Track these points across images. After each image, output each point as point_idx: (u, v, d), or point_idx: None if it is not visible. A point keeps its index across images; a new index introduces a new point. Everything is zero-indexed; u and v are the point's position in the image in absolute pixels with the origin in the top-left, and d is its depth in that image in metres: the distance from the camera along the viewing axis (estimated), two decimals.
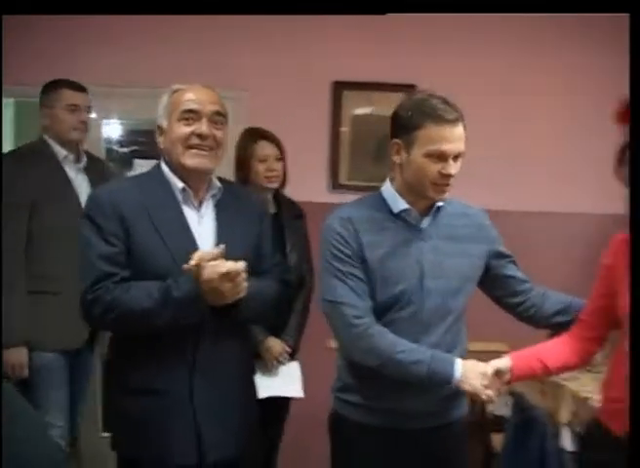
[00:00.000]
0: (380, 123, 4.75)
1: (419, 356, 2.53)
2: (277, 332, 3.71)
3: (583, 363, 2.73)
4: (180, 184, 2.63)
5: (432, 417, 2.68)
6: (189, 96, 2.62)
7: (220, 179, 2.77)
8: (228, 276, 2.43)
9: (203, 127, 2.58)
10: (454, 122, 2.52)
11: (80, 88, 3.78)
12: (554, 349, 2.71)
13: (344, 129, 4.80)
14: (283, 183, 3.78)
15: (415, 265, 2.62)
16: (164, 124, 2.64)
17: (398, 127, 2.60)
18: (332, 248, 2.60)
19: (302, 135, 4.05)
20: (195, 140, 2.59)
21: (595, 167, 3.86)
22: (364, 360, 2.60)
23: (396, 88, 4.69)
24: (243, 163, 3.68)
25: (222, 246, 2.46)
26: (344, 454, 2.77)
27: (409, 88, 4.67)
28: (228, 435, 2.63)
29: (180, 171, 2.63)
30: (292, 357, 3.77)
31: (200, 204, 2.67)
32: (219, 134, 2.62)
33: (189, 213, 2.64)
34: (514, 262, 2.84)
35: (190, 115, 2.59)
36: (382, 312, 2.60)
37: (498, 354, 3.29)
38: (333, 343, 2.79)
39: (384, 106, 4.72)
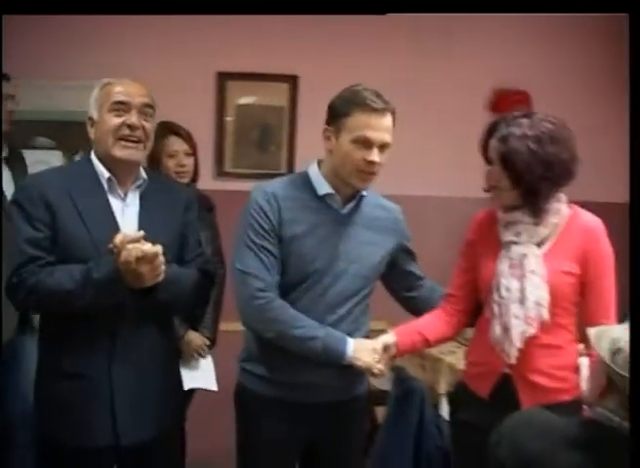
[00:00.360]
0: (263, 112, 4.97)
1: (315, 332, 2.68)
2: (194, 327, 3.78)
3: (456, 334, 3.00)
4: (106, 174, 2.70)
5: (334, 392, 2.83)
6: (119, 88, 2.70)
7: (147, 171, 2.86)
8: (146, 258, 2.50)
9: (133, 118, 2.67)
10: (381, 111, 2.66)
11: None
12: (431, 323, 2.93)
13: (229, 118, 4.94)
14: (194, 178, 3.83)
15: (330, 248, 2.75)
16: (95, 115, 2.70)
17: (331, 115, 2.72)
18: (251, 219, 2.71)
19: (188, 124, 4.15)
20: (125, 131, 2.67)
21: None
22: (263, 331, 2.73)
23: (279, 78, 4.92)
24: (153, 158, 3.61)
25: (142, 231, 2.54)
26: (247, 426, 2.89)
27: (291, 78, 4.90)
28: (146, 419, 2.71)
29: (108, 161, 2.70)
30: (209, 349, 3.85)
31: (125, 194, 2.75)
32: (147, 125, 2.71)
33: (114, 202, 2.71)
34: (415, 260, 3.05)
35: (120, 107, 2.67)
36: (292, 288, 2.74)
37: (380, 332, 3.55)
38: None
39: (267, 96, 4.96)
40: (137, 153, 2.71)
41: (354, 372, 2.79)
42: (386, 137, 2.68)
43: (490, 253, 2.79)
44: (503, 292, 2.70)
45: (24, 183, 2.73)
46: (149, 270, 2.53)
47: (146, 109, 2.72)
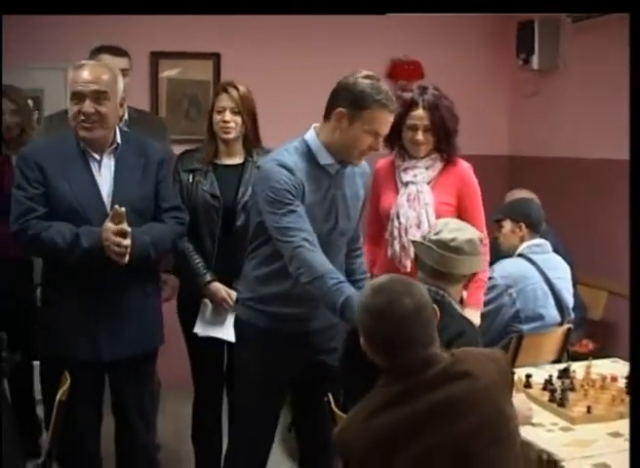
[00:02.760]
0: (190, 85, 5.64)
1: (343, 288, 2.87)
2: (232, 279, 3.73)
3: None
4: (82, 143, 3.22)
5: (317, 321, 3.19)
6: (77, 77, 3.14)
7: (129, 134, 3.38)
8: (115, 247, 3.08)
9: (85, 106, 3.11)
10: (393, 111, 3.04)
11: (118, 52, 4.12)
12: (372, 255, 3.77)
13: (161, 91, 5.61)
14: (253, 137, 3.84)
15: (332, 210, 3.16)
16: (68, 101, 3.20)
17: (347, 99, 2.97)
18: (279, 187, 2.98)
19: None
20: (81, 117, 3.13)
21: None
22: (300, 274, 2.95)
23: (204, 56, 5.60)
24: (209, 113, 3.82)
25: (122, 209, 3.05)
26: (248, 355, 3.24)
27: (214, 56, 5.60)
28: (125, 340, 3.26)
29: (79, 138, 3.21)
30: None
31: (101, 157, 3.23)
32: (102, 109, 3.13)
33: (93, 164, 3.23)
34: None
35: (76, 96, 3.13)
36: None
37: None
38: None
39: (194, 71, 5.63)
40: (95, 133, 3.16)
41: None
42: (387, 131, 3.09)
43: (389, 190, 3.72)
44: (402, 220, 3.63)
45: (23, 152, 3.28)
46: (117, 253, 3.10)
47: (99, 95, 3.12)
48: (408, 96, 3.66)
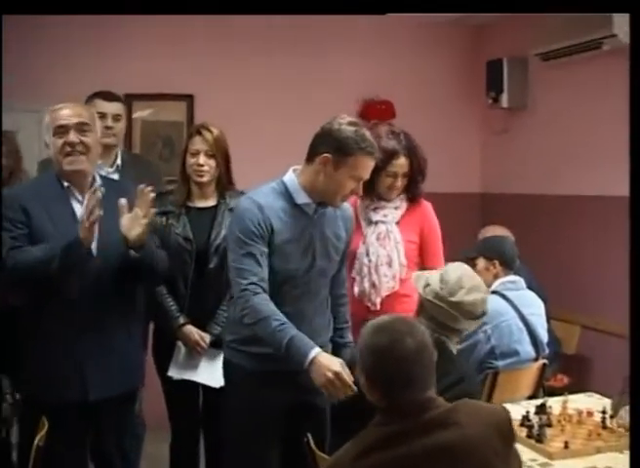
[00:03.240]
0: (163, 127, 5.69)
1: (287, 329, 2.94)
2: (205, 322, 3.78)
3: None
4: (65, 183, 3.26)
5: None
6: (59, 114, 3.23)
7: (104, 179, 3.41)
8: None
9: (70, 136, 3.20)
10: (376, 158, 3.17)
11: (112, 97, 4.19)
12: None
13: (135, 132, 5.65)
14: (226, 180, 3.87)
15: (309, 248, 3.17)
16: (47, 139, 3.26)
17: (332, 145, 3.04)
18: (245, 225, 3.06)
19: None
20: (67, 149, 3.20)
21: None
22: (244, 316, 3.03)
23: (177, 97, 5.66)
24: (183, 155, 3.85)
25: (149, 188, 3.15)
26: (237, 397, 3.25)
27: (187, 97, 5.65)
28: (111, 378, 3.24)
29: (63, 175, 3.25)
30: (219, 346, 3.65)
31: (83, 197, 3.21)
32: (86, 139, 3.22)
33: (76, 205, 3.25)
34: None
35: (61, 129, 3.21)
36: (281, 284, 3.11)
37: None
38: None
39: (167, 112, 5.69)
40: (81, 164, 3.23)
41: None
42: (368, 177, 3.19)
43: (355, 230, 3.65)
44: (372, 258, 3.79)
45: (7, 194, 3.29)
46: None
47: (82, 126, 3.23)
48: (389, 145, 3.79)
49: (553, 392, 3.98)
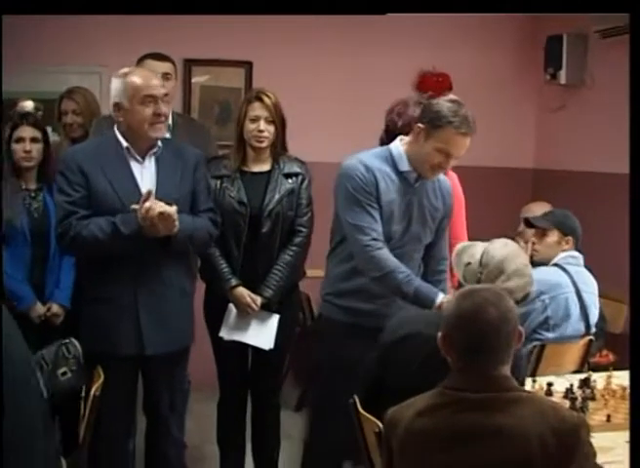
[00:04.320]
0: (222, 92, 5.76)
1: (413, 279, 3.26)
2: (256, 285, 3.84)
3: None
4: (125, 144, 3.36)
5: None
6: (145, 82, 3.32)
7: (164, 140, 3.49)
8: (162, 216, 3.17)
9: (162, 108, 3.33)
10: (467, 135, 3.24)
11: (162, 57, 4.29)
12: None
13: (194, 97, 5.73)
14: (281, 146, 3.93)
15: (406, 213, 3.40)
16: (125, 104, 3.31)
17: (427, 117, 3.26)
18: (356, 183, 3.31)
19: None
20: (157, 119, 3.33)
21: None
22: (369, 270, 3.29)
23: (236, 64, 5.72)
24: (238, 121, 3.89)
25: (151, 189, 3.23)
26: (328, 348, 3.47)
27: (246, 64, 5.71)
28: (165, 335, 3.40)
29: (137, 137, 3.36)
30: (270, 309, 3.88)
31: (143, 158, 3.39)
32: (167, 110, 3.42)
33: (134, 165, 3.38)
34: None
35: (149, 99, 3.30)
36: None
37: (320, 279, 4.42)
38: None
39: (225, 78, 5.75)
40: (165, 132, 3.49)
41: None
42: (462, 153, 3.30)
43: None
44: None
45: (64, 156, 3.44)
46: (165, 225, 3.21)
47: (166, 97, 3.41)
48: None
49: (598, 368, 4.00)
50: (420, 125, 3.29)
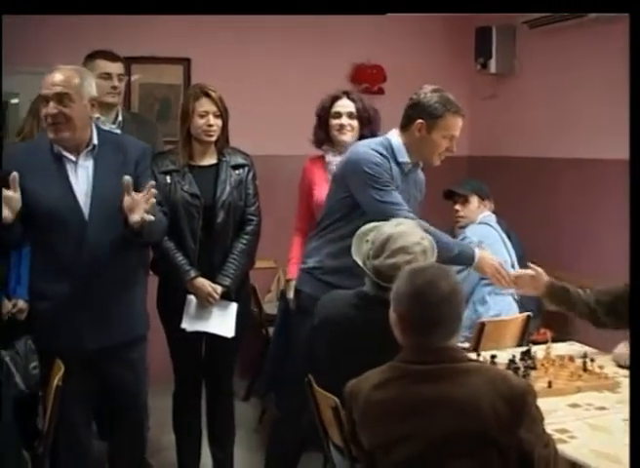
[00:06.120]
0: (161, 89, 5.84)
1: (452, 240, 3.73)
2: (214, 275, 3.92)
3: None
4: (56, 148, 3.31)
5: None
6: (45, 81, 3.25)
7: (106, 133, 3.51)
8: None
9: (49, 108, 3.23)
10: (463, 116, 3.65)
11: (115, 58, 4.30)
12: (302, 249, 4.11)
13: (134, 94, 5.78)
14: (225, 140, 4.02)
15: (404, 200, 3.63)
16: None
17: (423, 111, 3.58)
18: (376, 167, 3.56)
19: None
20: (48, 120, 3.25)
21: None
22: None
23: (173, 61, 5.80)
24: (185, 116, 3.93)
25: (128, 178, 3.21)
26: (307, 325, 3.38)
27: (184, 61, 5.79)
28: (108, 328, 3.40)
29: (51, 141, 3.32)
30: (228, 297, 3.97)
31: (77, 158, 3.34)
32: (66, 110, 3.23)
33: (69, 166, 3.33)
34: None
35: (43, 99, 3.26)
36: None
37: (271, 270, 4.52)
38: None
39: (165, 75, 5.83)
40: (61, 134, 3.26)
41: None
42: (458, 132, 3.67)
43: (322, 184, 4.17)
44: None
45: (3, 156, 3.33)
46: None
47: (62, 97, 3.22)
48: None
49: (536, 344, 4.18)
50: (419, 121, 3.57)
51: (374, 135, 4.15)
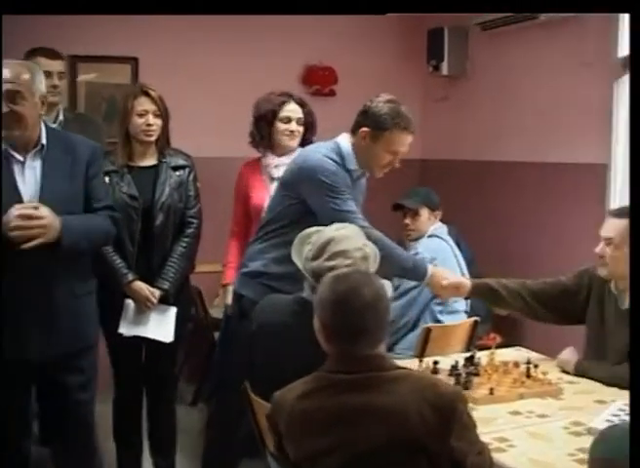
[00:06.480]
0: (108, 89, 5.71)
1: (406, 254, 3.73)
2: (152, 278, 3.85)
3: None
4: (3, 146, 3.12)
5: None
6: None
7: (56, 132, 3.37)
8: (23, 218, 2.96)
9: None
10: (411, 132, 3.51)
11: (55, 55, 4.22)
12: (239, 253, 4.11)
13: (80, 94, 5.66)
14: (165, 140, 3.95)
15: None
16: None
17: (370, 120, 3.47)
18: (332, 175, 3.46)
19: None
20: None
21: None
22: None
23: (120, 60, 5.68)
24: (124, 116, 3.87)
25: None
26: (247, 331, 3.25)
27: (132, 60, 5.67)
28: (50, 338, 3.20)
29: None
30: (167, 301, 3.90)
31: (25, 159, 3.16)
32: (17, 108, 3.06)
33: (16, 167, 3.14)
34: None
35: None
36: None
37: (217, 273, 4.44)
38: None
39: (111, 74, 5.71)
40: (13, 133, 3.10)
41: None
42: (407, 149, 3.56)
43: (259, 187, 4.15)
44: None
45: None
46: (28, 229, 2.99)
47: (13, 94, 3.06)
48: (281, 96, 4.30)
49: (485, 350, 4.14)
50: (364, 129, 3.47)
51: (312, 138, 4.16)
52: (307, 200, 3.53)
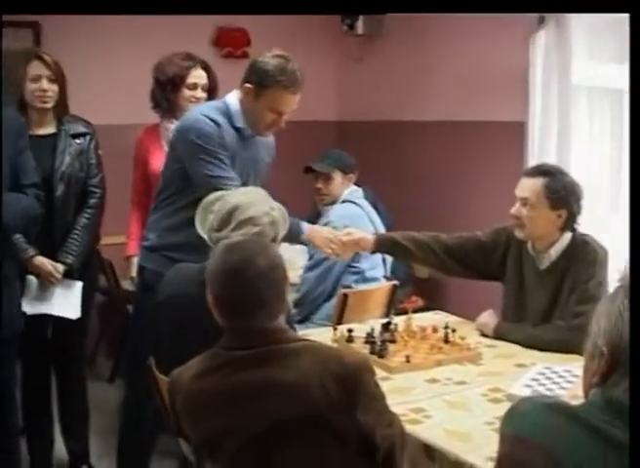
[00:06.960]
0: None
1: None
2: (55, 252, 3.68)
3: None
4: None
5: None
6: None
7: None
8: None
9: None
10: (297, 91, 3.27)
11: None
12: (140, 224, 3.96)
13: None
14: (62, 108, 3.76)
15: (244, 167, 3.41)
16: None
17: (255, 76, 3.25)
18: (205, 136, 3.24)
19: None
20: None
21: None
22: None
23: (22, 25, 5.35)
24: (15, 83, 3.64)
25: None
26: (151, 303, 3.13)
27: (33, 24, 5.40)
28: None
29: None
30: (72, 276, 3.74)
31: None
32: None
33: None
34: None
35: None
36: None
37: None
38: None
39: (11, 40, 5.39)
40: None
41: None
42: (293, 109, 3.33)
43: (158, 153, 3.98)
44: None
45: None
46: None
47: None
48: (185, 60, 4.08)
49: (406, 313, 4.05)
50: (247, 85, 3.27)
51: None
52: (184, 163, 3.36)
